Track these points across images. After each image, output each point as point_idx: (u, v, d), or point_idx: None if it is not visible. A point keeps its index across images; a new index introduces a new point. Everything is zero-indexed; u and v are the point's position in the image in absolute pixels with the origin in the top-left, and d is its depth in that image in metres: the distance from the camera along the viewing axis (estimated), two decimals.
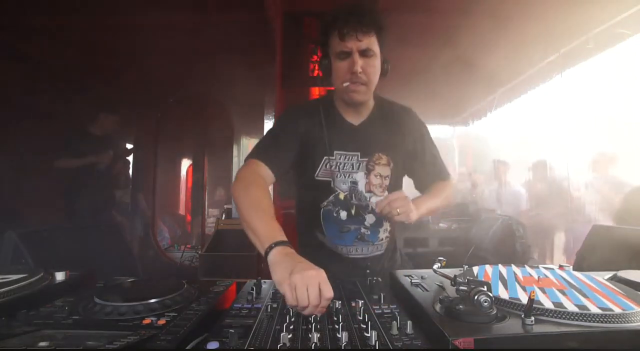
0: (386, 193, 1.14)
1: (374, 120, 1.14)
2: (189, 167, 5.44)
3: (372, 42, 1.00)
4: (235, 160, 3.59)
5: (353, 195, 1.12)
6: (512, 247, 3.08)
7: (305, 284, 0.64)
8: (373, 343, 0.54)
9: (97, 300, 0.68)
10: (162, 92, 3.53)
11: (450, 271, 0.76)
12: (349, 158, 1.11)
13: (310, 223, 1.17)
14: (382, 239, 1.17)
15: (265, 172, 1.01)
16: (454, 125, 4.28)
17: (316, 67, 2.81)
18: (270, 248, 0.75)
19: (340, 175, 1.11)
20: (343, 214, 1.12)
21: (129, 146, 3.77)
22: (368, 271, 0.92)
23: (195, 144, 5.02)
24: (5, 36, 2.92)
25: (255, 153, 1.05)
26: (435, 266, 0.81)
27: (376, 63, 1.04)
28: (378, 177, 1.13)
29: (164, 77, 3.53)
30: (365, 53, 1.00)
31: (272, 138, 1.10)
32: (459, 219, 3.47)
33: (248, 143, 3.62)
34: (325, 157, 1.10)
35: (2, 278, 0.74)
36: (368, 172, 1.12)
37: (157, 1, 2.68)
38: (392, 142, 1.13)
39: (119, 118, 3.15)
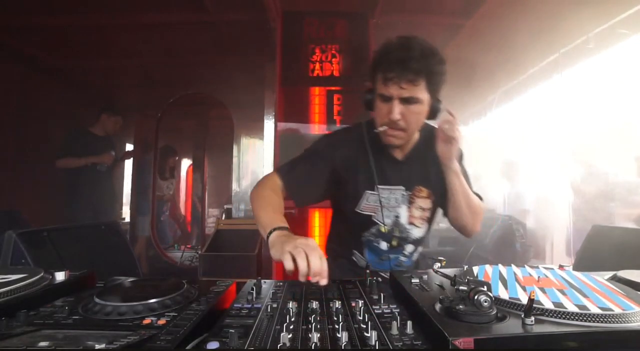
0: (425, 224, 1.15)
1: (418, 153, 1.12)
2: (189, 167, 5.44)
3: (418, 90, 0.94)
4: (235, 160, 3.59)
5: (394, 228, 1.11)
6: (512, 247, 3.09)
7: (300, 251, 0.74)
8: (373, 343, 0.54)
9: (97, 300, 0.68)
10: (162, 92, 3.53)
11: (450, 271, 0.76)
12: (392, 192, 1.10)
13: (350, 245, 1.18)
14: (415, 261, 1.22)
15: (281, 199, 1.03)
16: None
17: (316, 67, 2.81)
18: (270, 233, 0.85)
19: (384, 210, 1.09)
20: (383, 245, 1.13)
21: (130, 146, 3.78)
22: (368, 271, 0.92)
23: (195, 144, 5.03)
24: (6, 36, 2.92)
25: (283, 176, 1.05)
26: (435, 267, 0.81)
27: (420, 109, 0.98)
28: (419, 209, 1.12)
29: (164, 77, 3.53)
30: (407, 100, 0.95)
31: (311, 173, 1.07)
32: None
33: (248, 143, 3.62)
34: (367, 191, 1.08)
35: (2, 278, 0.74)
36: (410, 205, 1.11)
37: (157, 1, 2.68)
38: (433, 175, 1.11)
39: (121, 119, 3.15)
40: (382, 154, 1.10)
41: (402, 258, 1.16)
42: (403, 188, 1.10)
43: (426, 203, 1.12)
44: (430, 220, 1.16)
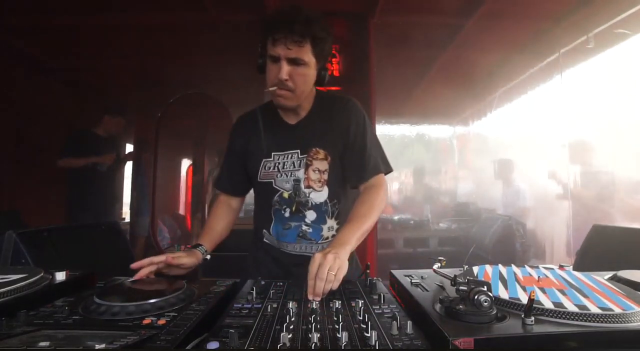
0: (325, 188, 1.12)
1: (313, 116, 1.15)
2: (189, 167, 5.42)
3: (303, 52, 1.00)
4: None
5: (296, 192, 1.12)
6: (512, 247, 3.09)
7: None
8: (373, 343, 0.54)
9: (97, 300, 0.68)
10: (162, 92, 3.53)
11: (450, 271, 0.76)
12: (288, 156, 1.13)
13: (262, 222, 1.20)
14: (327, 238, 1.14)
15: (228, 199, 1.26)
16: (454, 125, 4.28)
17: None
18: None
19: (282, 175, 1.12)
20: (287, 212, 1.14)
21: (129, 146, 3.77)
22: (368, 271, 0.92)
23: (195, 144, 5.02)
24: (6, 36, 2.92)
25: (216, 184, 1.28)
26: (435, 266, 0.81)
27: (307, 72, 1.03)
28: (316, 171, 1.12)
29: (164, 77, 3.53)
30: (294, 61, 1.00)
31: (224, 165, 1.25)
32: (459, 219, 3.47)
33: None
34: (263, 160, 1.14)
35: (2, 278, 0.74)
36: (306, 167, 1.11)
37: (158, 1, 2.68)
38: (328, 136, 1.12)
39: (123, 120, 3.15)
40: (275, 121, 1.16)
41: (305, 228, 1.13)
42: (298, 151, 1.12)
43: (323, 165, 1.12)
44: (329, 184, 1.12)
